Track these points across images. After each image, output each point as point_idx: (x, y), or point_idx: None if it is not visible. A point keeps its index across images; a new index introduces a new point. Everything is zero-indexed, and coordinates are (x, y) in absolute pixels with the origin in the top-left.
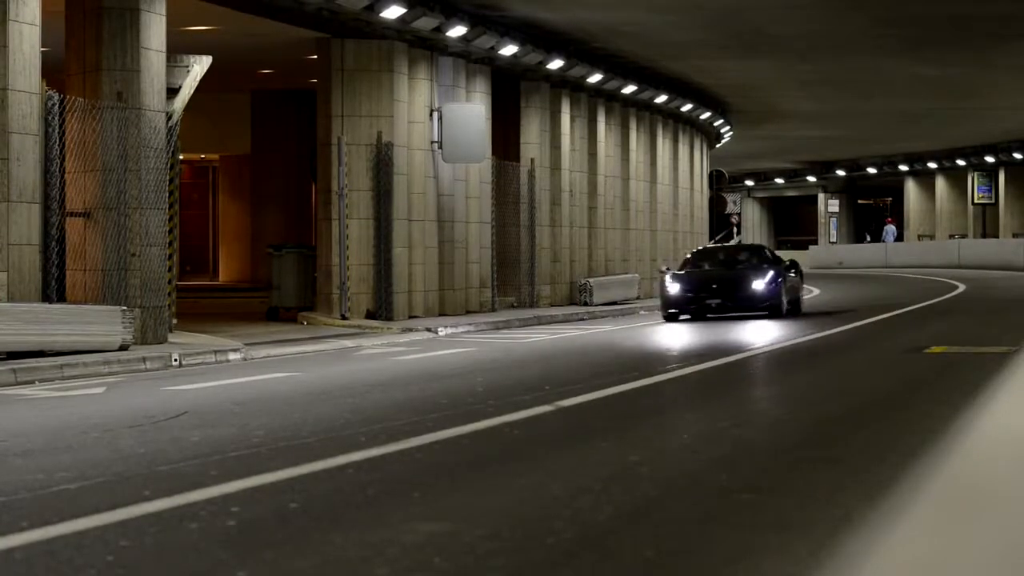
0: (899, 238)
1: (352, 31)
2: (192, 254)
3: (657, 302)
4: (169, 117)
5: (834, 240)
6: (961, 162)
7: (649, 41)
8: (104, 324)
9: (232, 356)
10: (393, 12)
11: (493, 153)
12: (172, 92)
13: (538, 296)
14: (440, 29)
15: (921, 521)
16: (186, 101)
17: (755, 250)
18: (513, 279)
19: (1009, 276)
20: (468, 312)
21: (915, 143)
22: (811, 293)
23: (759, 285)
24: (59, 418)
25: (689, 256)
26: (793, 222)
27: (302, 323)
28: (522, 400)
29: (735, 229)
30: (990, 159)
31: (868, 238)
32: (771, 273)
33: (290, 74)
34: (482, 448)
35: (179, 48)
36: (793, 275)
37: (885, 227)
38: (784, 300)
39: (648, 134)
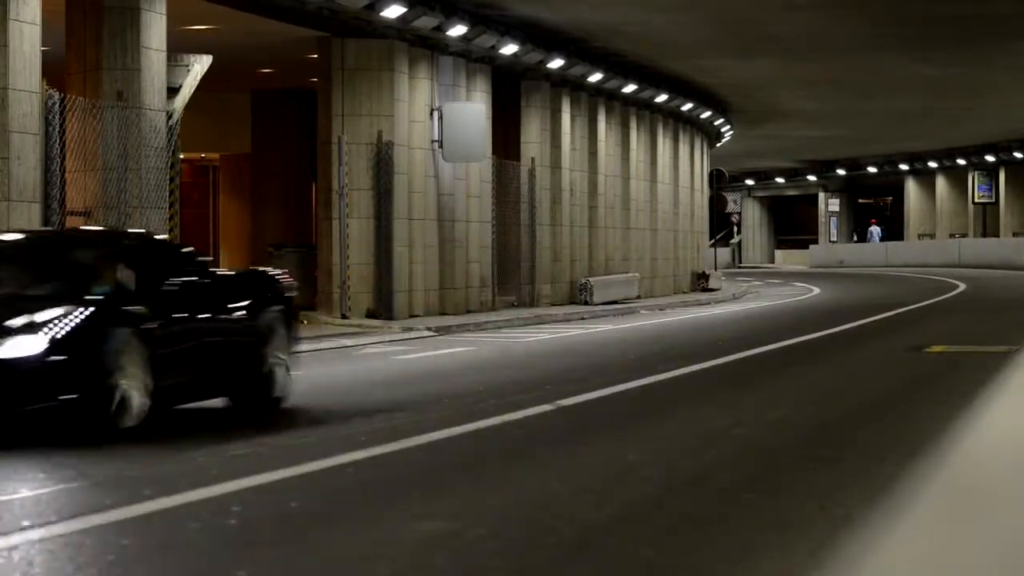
0: (885, 238)
1: (352, 30)
2: None
3: (659, 301)
4: (169, 116)
5: (835, 239)
6: (961, 161)
7: (649, 40)
8: None
9: None
10: (393, 11)
11: (493, 152)
12: (172, 91)
13: (538, 295)
14: (440, 28)
15: (921, 521)
16: (186, 100)
17: (86, 244)
18: (513, 278)
19: (1010, 275)
20: (469, 311)
21: (915, 142)
22: (811, 292)
23: None
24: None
25: None
26: (793, 221)
27: (302, 322)
28: (522, 399)
29: (735, 228)
30: (990, 158)
31: (855, 238)
32: (50, 318)
33: (290, 73)
34: (483, 447)
35: (179, 47)
36: (221, 320)
37: (870, 228)
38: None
39: (648, 133)
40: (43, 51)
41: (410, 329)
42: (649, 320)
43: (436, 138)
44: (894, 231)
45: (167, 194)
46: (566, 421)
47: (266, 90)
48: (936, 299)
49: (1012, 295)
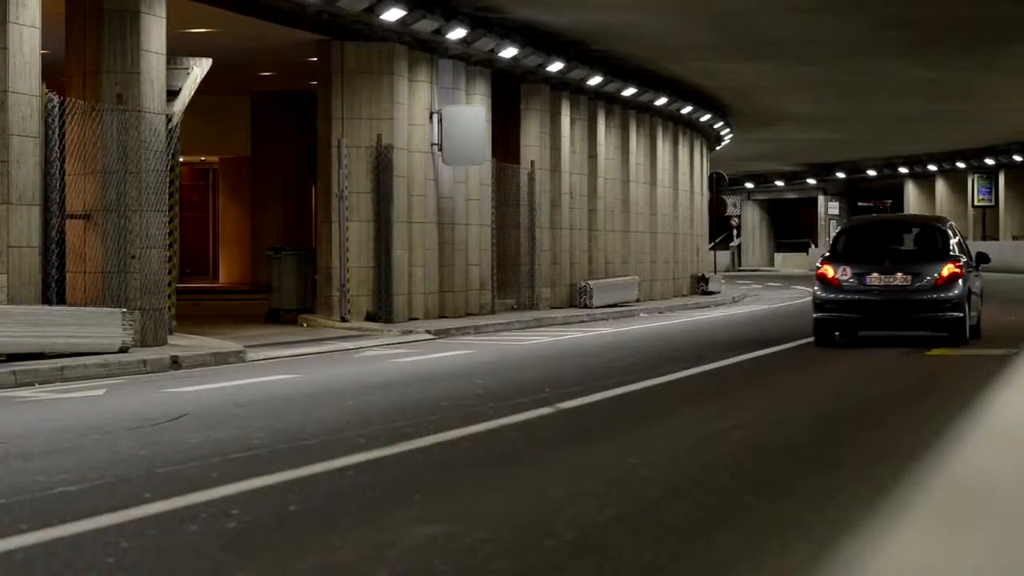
0: None
1: (352, 33)
2: (192, 256)
3: (659, 304)
4: (169, 119)
5: None
6: (961, 164)
7: (649, 43)
8: (104, 326)
9: (232, 358)
10: (393, 14)
11: (493, 155)
12: (172, 94)
13: (538, 298)
14: (440, 31)
15: (921, 524)
16: (186, 103)
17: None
18: (513, 281)
19: (1009, 279)
20: (468, 314)
21: (915, 145)
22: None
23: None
24: (59, 420)
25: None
26: (793, 224)
27: (302, 325)
28: (522, 402)
29: (735, 231)
30: (990, 161)
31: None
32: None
33: (290, 76)
34: (482, 450)
35: (179, 50)
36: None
37: None
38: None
39: (648, 136)
40: (43, 54)
41: (409, 332)
42: (649, 323)
43: (436, 141)
44: None
45: (167, 197)
46: (566, 424)
47: (266, 93)
48: None
49: (1011, 298)
